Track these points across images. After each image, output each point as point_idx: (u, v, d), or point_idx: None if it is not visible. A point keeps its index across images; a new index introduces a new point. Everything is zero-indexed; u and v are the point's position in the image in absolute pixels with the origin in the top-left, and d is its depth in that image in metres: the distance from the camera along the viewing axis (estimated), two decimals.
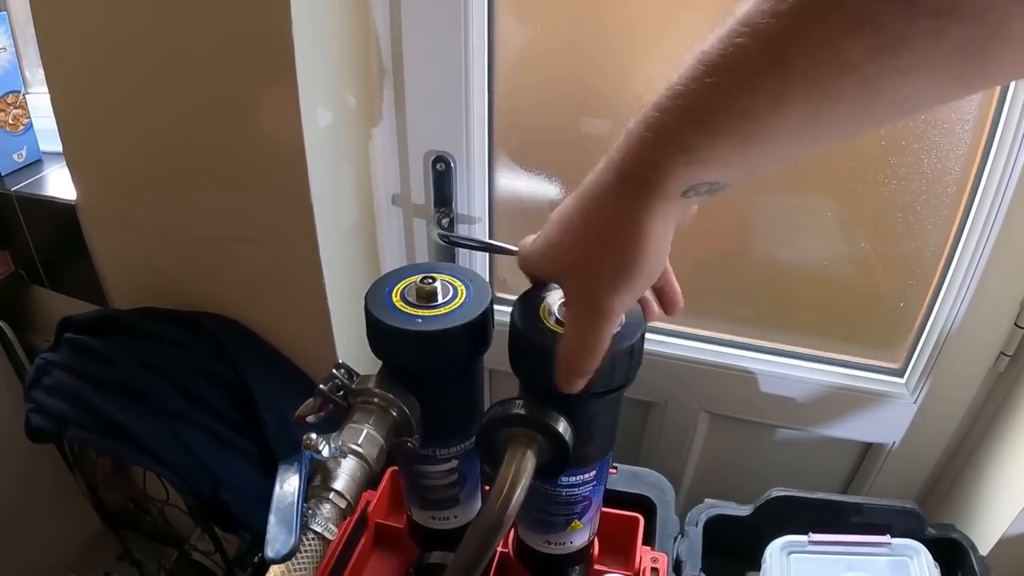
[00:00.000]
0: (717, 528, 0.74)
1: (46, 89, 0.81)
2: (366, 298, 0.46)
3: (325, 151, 0.74)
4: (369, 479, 0.44)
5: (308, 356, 0.87)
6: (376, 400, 0.46)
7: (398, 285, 0.47)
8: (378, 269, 0.92)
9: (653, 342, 0.88)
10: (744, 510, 0.76)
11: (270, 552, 0.37)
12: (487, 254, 0.91)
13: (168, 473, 0.75)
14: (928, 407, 0.82)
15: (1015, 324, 0.74)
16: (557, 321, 0.43)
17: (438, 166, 0.83)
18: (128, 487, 1.19)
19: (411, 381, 0.47)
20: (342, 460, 0.43)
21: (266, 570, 0.40)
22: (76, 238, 0.91)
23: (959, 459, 0.86)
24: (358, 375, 0.48)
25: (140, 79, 0.74)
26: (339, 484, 0.42)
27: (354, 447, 0.43)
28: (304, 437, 0.41)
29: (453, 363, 0.47)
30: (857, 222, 0.77)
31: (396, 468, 0.66)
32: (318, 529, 0.41)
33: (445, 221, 0.86)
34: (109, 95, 0.77)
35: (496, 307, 0.49)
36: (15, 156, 1.01)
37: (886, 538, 0.67)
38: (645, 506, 0.72)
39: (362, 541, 0.65)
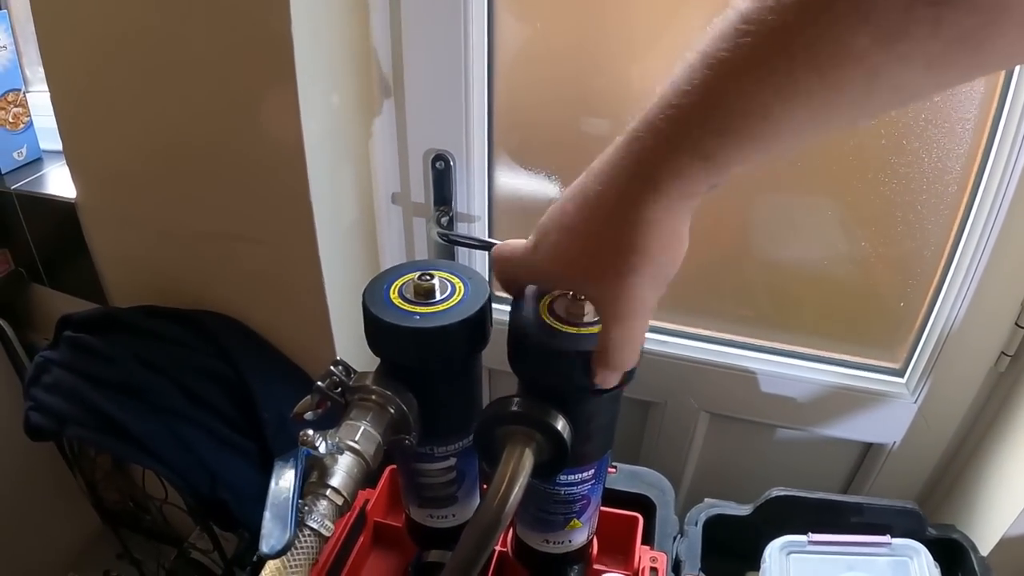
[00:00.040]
0: (717, 528, 0.73)
1: (46, 87, 0.82)
2: (364, 295, 0.46)
3: (325, 150, 0.74)
4: (366, 476, 0.44)
5: (308, 355, 0.87)
6: (374, 397, 0.46)
7: (396, 282, 0.47)
8: (378, 267, 0.92)
9: (653, 342, 0.88)
10: (744, 510, 0.76)
11: (264, 548, 0.37)
12: (487, 252, 0.91)
13: (167, 471, 0.74)
14: (929, 407, 0.82)
15: (1016, 324, 0.74)
16: (558, 319, 0.43)
17: (438, 165, 0.83)
18: (127, 485, 1.19)
19: (409, 378, 0.47)
20: (339, 457, 0.43)
21: (262, 566, 0.40)
22: (76, 236, 0.91)
23: (960, 459, 0.86)
24: (356, 372, 0.48)
25: (140, 78, 0.75)
26: (336, 481, 0.42)
27: (351, 444, 0.43)
28: (301, 433, 0.41)
29: (451, 360, 0.47)
30: (857, 222, 0.77)
31: (395, 467, 0.66)
32: (314, 526, 0.41)
33: (445, 220, 0.86)
34: (109, 94, 0.78)
35: (495, 306, 0.49)
36: (15, 154, 1.01)
37: (886, 538, 0.67)
38: (644, 505, 0.71)
39: (360, 539, 0.65)
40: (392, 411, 0.46)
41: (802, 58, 0.25)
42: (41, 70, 0.82)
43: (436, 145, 0.82)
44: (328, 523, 0.41)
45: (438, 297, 0.46)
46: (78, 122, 0.82)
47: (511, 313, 0.44)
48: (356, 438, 0.44)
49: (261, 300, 0.85)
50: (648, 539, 0.68)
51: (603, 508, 0.60)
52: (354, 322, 0.63)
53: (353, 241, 0.85)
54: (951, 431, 0.83)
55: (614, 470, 0.74)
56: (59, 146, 0.85)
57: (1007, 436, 0.77)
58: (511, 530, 0.60)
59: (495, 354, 0.46)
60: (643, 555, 0.63)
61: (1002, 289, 0.72)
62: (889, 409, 0.83)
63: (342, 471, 0.42)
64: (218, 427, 0.78)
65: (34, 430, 0.77)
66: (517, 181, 0.87)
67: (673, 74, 0.30)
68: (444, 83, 0.77)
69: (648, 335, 0.44)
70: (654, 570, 0.61)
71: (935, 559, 0.66)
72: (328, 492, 0.41)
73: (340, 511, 0.42)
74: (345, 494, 0.42)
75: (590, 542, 0.59)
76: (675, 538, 0.70)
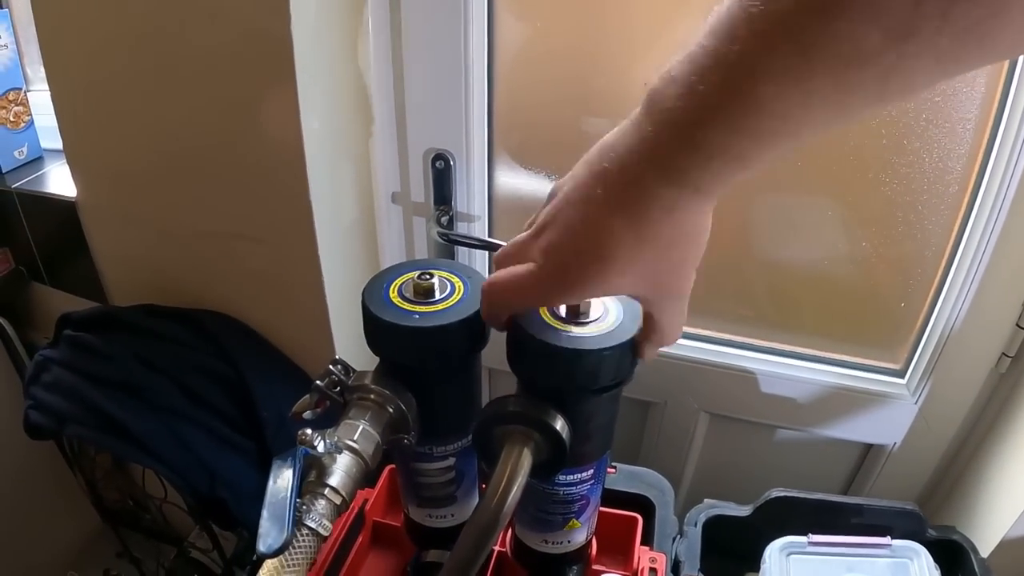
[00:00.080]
0: (716, 528, 0.73)
1: (47, 86, 0.82)
2: (363, 294, 0.46)
3: (324, 149, 0.74)
4: (365, 476, 0.44)
5: (307, 354, 0.87)
6: (372, 396, 0.46)
7: (396, 281, 0.47)
8: (377, 267, 0.92)
9: None
10: (743, 510, 0.75)
11: (262, 547, 0.37)
12: (487, 252, 0.91)
13: (166, 471, 0.75)
14: (929, 408, 0.82)
15: (1017, 325, 0.73)
16: (557, 318, 0.42)
17: (438, 164, 0.83)
18: (127, 484, 1.19)
19: (408, 378, 0.47)
20: (337, 456, 0.43)
21: (261, 565, 0.40)
22: (76, 235, 0.91)
23: (960, 460, 0.85)
24: (355, 371, 0.47)
25: (140, 77, 0.75)
26: (334, 480, 0.42)
27: (350, 443, 0.43)
28: (299, 433, 0.41)
29: (450, 359, 0.47)
30: (858, 222, 0.77)
31: (394, 466, 0.66)
32: (312, 525, 0.40)
33: (445, 219, 0.86)
34: (110, 93, 0.78)
35: None
36: (16, 153, 1.01)
37: (886, 539, 0.67)
38: (644, 506, 0.71)
39: (359, 539, 0.65)
40: (391, 410, 0.46)
41: (822, 61, 0.26)
42: (42, 69, 0.82)
43: (436, 144, 0.82)
44: (326, 522, 0.41)
45: (438, 296, 0.46)
46: (79, 121, 0.82)
47: None
48: (355, 437, 0.44)
49: (261, 299, 0.85)
50: (647, 540, 0.68)
51: (602, 508, 0.59)
52: (354, 321, 0.63)
53: (353, 240, 0.85)
54: (952, 432, 0.83)
55: (613, 470, 0.74)
56: (60, 145, 0.86)
57: (1008, 437, 0.76)
58: (510, 530, 0.60)
59: (495, 354, 0.46)
60: (642, 556, 0.62)
61: (1003, 290, 0.72)
62: (889, 410, 0.83)
63: (340, 470, 0.42)
64: (218, 426, 0.78)
65: (34, 429, 0.77)
66: (517, 181, 0.87)
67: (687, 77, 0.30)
68: (444, 83, 0.77)
69: None
70: (653, 571, 0.61)
71: (935, 560, 0.66)
72: (326, 491, 0.41)
73: (338, 510, 0.42)
74: (343, 493, 0.42)
75: (589, 542, 0.59)
76: (674, 539, 0.70)
